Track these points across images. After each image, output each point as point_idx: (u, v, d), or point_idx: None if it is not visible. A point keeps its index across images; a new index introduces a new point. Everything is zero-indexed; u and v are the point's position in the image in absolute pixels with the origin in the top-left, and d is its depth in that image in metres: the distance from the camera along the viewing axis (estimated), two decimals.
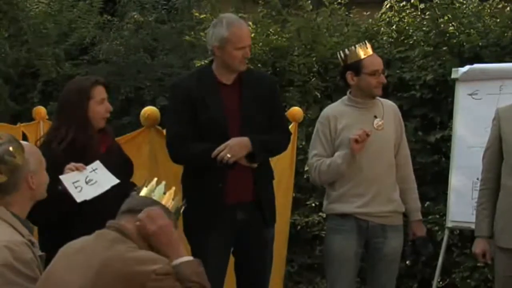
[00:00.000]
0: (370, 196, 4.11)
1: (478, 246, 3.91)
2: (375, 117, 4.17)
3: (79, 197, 3.40)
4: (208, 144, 3.76)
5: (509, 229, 3.77)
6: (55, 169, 3.28)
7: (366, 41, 4.26)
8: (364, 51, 4.14)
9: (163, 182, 2.63)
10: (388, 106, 4.27)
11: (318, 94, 6.37)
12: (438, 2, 6.31)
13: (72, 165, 3.47)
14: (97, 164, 3.55)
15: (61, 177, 3.41)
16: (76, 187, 3.45)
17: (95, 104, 3.59)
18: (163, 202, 2.62)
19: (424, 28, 6.31)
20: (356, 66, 4.11)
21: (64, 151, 3.51)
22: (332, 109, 4.29)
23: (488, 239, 3.88)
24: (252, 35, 6.08)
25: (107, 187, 3.50)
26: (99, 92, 3.62)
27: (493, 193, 3.88)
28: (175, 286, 2.48)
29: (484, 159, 3.96)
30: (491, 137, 3.93)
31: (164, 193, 2.62)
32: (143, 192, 2.63)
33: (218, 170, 3.76)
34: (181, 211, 2.73)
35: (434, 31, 6.18)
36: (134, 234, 2.54)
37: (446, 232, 5.04)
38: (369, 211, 4.10)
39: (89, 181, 3.49)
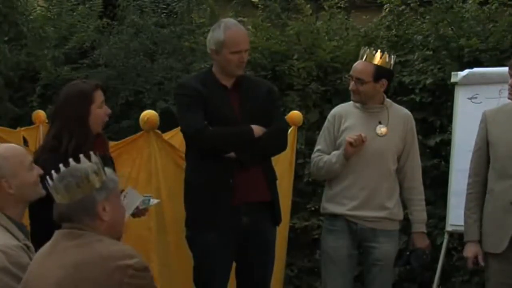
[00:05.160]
0: (360, 200, 4.12)
1: (470, 250, 3.91)
2: (380, 123, 4.17)
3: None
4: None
5: (496, 234, 3.78)
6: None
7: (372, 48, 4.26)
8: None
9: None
10: (399, 115, 4.26)
11: (318, 98, 6.38)
12: (438, 6, 6.31)
13: None
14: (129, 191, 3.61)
15: None
16: None
17: (96, 108, 3.56)
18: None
19: (423, 32, 6.31)
20: None
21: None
22: (341, 108, 4.34)
23: (479, 243, 3.88)
24: (252, 39, 6.08)
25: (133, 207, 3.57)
26: (99, 96, 3.59)
27: (481, 197, 3.88)
28: (151, 284, 2.47)
29: (472, 163, 3.96)
30: (478, 141, 3.93)
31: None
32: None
33: (230, 166, 3.78)
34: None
35: (433, 35, 6.18)
36: (90, 227, 2.50)
37: (446, 236, 5.04)
38: (359, 215, 4.12)
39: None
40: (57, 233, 2.55)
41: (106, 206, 2.52)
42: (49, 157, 3.39)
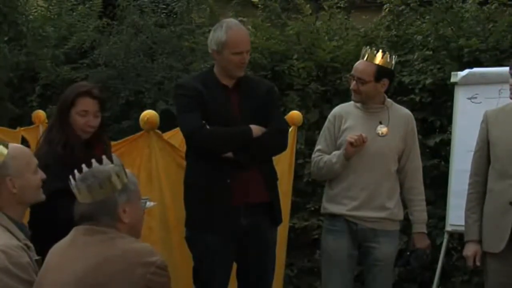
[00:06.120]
0: (360, 200, 4.12)
1: (470, 249, 3.91)
2: (380, 123, 4.17)
3: None
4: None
5: (495, 233, 3.78)
6: (59, 168, 3.28)
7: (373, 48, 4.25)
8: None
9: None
10: (400, 115, 4.25)
11: (318, 98, 6.38)
12: (438, 6, 6.32)
13: None
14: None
15: None
16: None
17: (75, 113, 3.56)
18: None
19: (423, 32, 6.32)
20: None
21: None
22: (341, 108, 4.33)
23: (479, 243, 3.88)
24: (252, 39, 6.08)
25: None
26: (83, 104, 3.57)
27: (481, 197, 3.88)
28: (169, 283, 2.51)
29: (473, 163, 3.96)
30: (479, 141, 3.94)
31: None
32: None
33: (227, 166, 3.77)
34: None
35: (433, 35, 6.18)
36: (111, 226, 2.54)
37: (446, 236, 5.05)
38: (359, 215, 4.12)
39: None
40: (75, 230, 2.58)
41: (126, 208, 2.57)
42: (47, 150, 3.49)
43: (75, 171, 2.58)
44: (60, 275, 2.48)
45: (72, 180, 2.58)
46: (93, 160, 2.61)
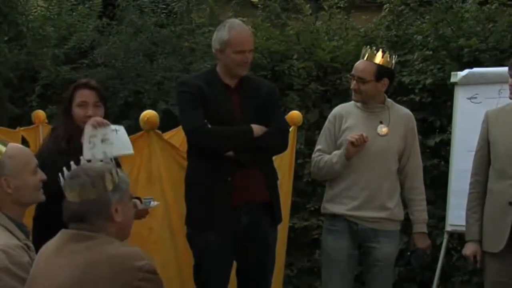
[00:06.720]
0: (361, 200, 4.12)
1: (469, 249, 3.92)
2: (381, 122, 4.17)
3: (87, 155, 3.22)
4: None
5: (495, 233, 3.79)
6: (63, 163, 3.29)
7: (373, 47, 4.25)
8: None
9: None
10: (400, 114, 4.25)
11: (317, 98, 6.38)
12: (438, 6, 6.32)
13: (94, 119, 3.51)
14: (121, 127, 3.61)
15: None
16: (90, 142, 3.47)
17: (75, 106, 3.61)
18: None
19: (423, 32, 6.32)
20: None
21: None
22: (342, 108, 4.33)
23: (479, 242, 3.89)
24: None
25: (118, 153, 3.50)
26: (81, 95, 3.61)
27: (482, 197, 3.89)
28: (159, 285, 2.46)
29: (474, 163, 3.97)
30: (480, 141, 3.95)
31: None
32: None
33: (228, 165, 3.77)
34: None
35: (433, 35, 6.19)
36: (101, 228, 2.49)
37: (446, 236, 5.05)
38: (359, 215, 4.12)
39: (105, 140, 3.51)
40: (63, 233, 2.52)
41: (118, 208, 2.51)
42: (51, 146, 3.51)
43: (64, 168, 2.52)
44: (49, 283, 2.43)
45: (61, 178, 2.51)
46: (82, 157, 2.56)
